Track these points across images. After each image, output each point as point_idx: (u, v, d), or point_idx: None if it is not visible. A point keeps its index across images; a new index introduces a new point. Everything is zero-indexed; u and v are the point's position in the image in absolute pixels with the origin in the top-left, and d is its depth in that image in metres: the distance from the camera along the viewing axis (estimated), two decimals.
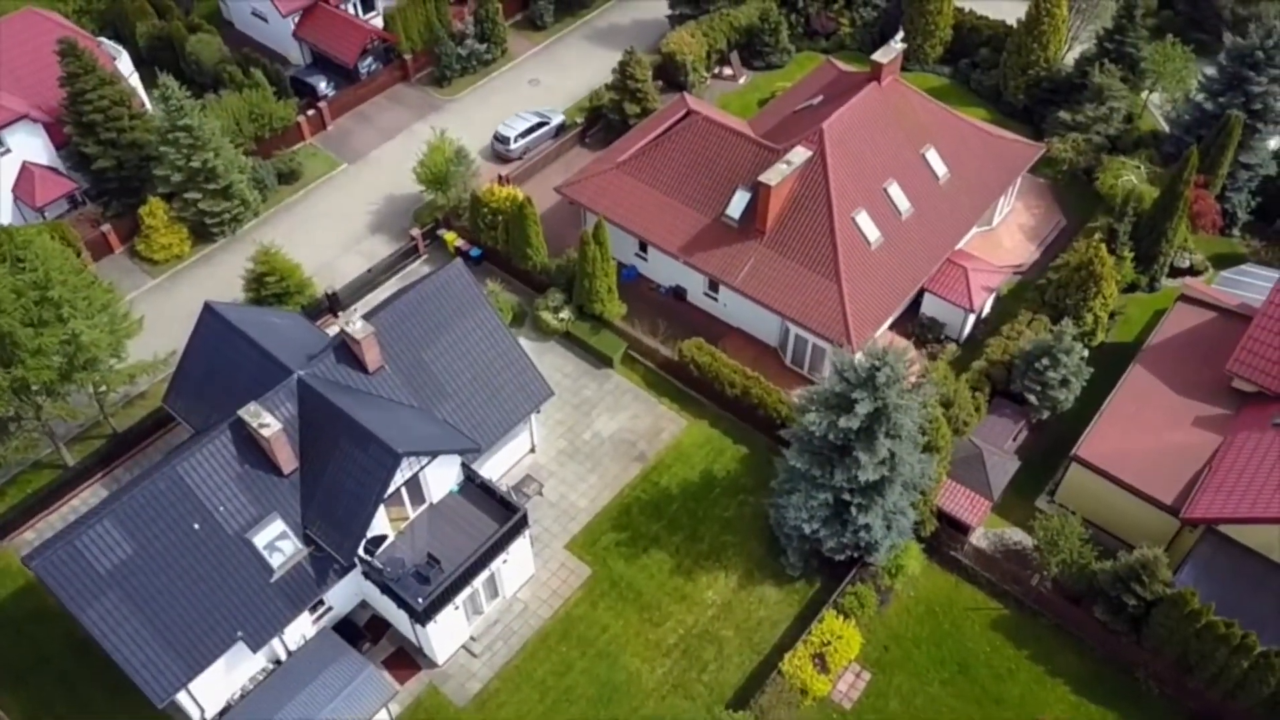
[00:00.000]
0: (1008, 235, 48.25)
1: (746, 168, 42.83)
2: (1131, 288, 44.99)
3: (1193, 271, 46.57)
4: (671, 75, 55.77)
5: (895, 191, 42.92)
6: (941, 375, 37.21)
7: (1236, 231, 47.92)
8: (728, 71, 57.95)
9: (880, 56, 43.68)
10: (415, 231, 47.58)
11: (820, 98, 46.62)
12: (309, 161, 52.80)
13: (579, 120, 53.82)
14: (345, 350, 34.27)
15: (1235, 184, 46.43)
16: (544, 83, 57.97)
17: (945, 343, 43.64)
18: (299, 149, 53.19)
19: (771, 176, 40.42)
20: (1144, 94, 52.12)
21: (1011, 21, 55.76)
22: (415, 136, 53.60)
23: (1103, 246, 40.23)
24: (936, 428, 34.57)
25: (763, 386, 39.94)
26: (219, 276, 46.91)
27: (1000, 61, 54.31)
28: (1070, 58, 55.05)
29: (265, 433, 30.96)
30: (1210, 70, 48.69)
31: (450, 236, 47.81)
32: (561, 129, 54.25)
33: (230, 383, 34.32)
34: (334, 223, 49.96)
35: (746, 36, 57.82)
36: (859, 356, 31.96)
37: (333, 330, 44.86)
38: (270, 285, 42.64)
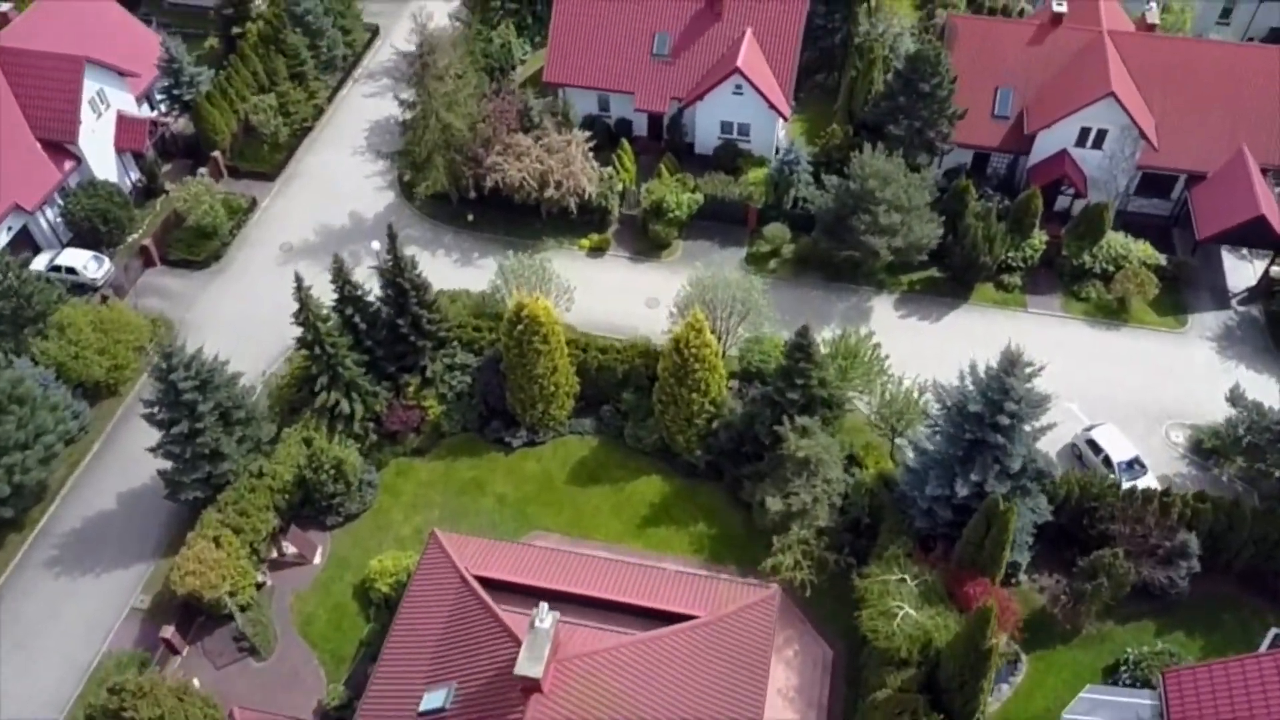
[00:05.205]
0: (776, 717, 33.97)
1: None
2: None
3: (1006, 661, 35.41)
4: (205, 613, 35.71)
5: None
6: None
7: (1023, 578, 37.21)
8: (291, 551, 38.45)
9: (528, 669, 26.65)
10: None
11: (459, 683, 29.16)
12: None
13: None
14: None
15: (1014, 545, 35.30)
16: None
17: None
18: None
19: None
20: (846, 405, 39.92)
21: (640, 329, 41.92)
22: None
23: None
24: None
25: None
26: None
27: (655, 412, 39.83)
28: (732, 350, 42.45)
29: None
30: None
31: None
32: None
33: None
34: None
35: (301, 494, 38.60)
36: None
37: None
38: None
